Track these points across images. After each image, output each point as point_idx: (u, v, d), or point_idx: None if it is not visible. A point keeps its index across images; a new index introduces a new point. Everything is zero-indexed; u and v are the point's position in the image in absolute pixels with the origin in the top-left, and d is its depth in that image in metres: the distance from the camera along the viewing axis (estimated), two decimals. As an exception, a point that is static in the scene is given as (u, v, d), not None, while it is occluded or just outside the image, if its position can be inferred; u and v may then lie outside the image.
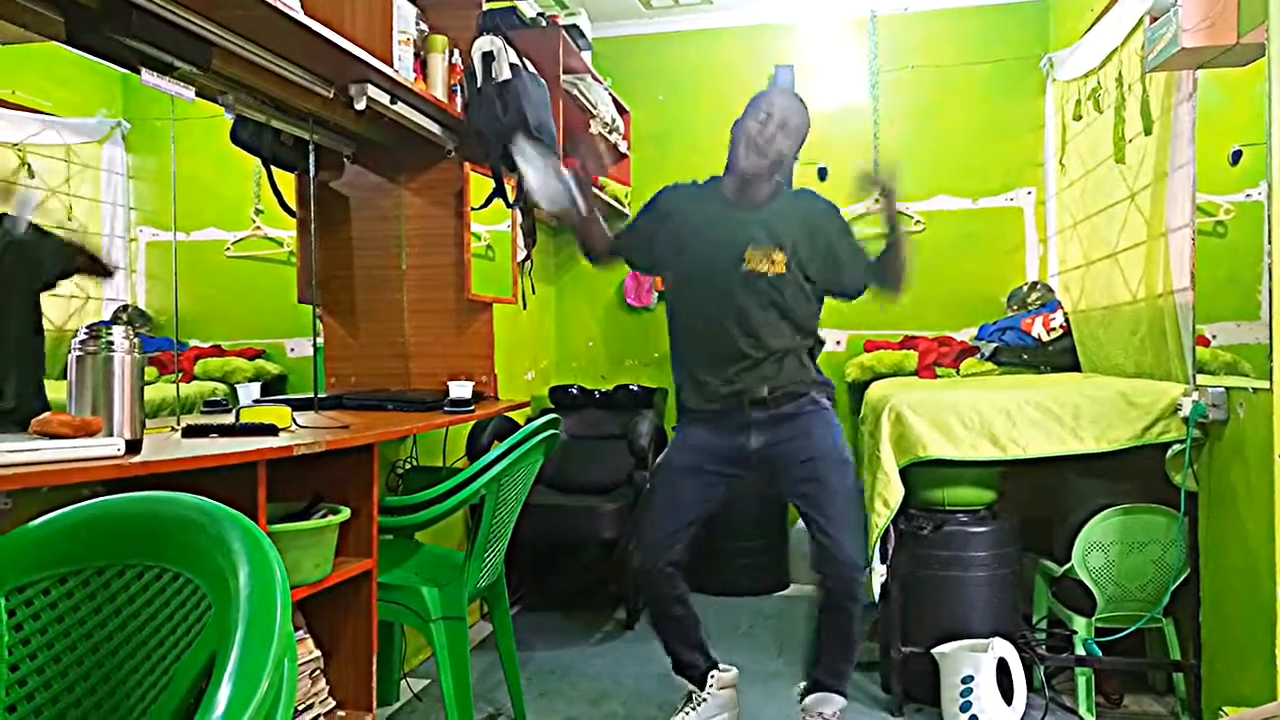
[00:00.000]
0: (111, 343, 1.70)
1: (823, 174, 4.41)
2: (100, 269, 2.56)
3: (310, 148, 2.89)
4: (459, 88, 3.05)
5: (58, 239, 2.38)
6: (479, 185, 3.18)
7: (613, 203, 4.41)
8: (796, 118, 2.45)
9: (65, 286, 2.42)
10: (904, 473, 2.73)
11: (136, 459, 1.55)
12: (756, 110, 2.45)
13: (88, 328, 1.73)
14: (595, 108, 3.99)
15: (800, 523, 4.26)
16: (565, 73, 3.64)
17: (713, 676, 2.60)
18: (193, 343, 2.86)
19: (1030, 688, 2.71)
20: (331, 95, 2.61)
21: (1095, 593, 2.77)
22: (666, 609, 2.57)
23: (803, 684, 2.53)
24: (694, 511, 2.54)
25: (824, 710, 2.46)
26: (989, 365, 3.88)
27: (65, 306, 2.42)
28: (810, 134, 2.52)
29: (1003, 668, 2.64)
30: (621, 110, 4.54)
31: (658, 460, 2.69)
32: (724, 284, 2.44)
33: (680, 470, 2.56)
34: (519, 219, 3.66)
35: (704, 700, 2.59)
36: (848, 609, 2.40)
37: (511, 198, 3.25)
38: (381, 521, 2.33)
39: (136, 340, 1.74)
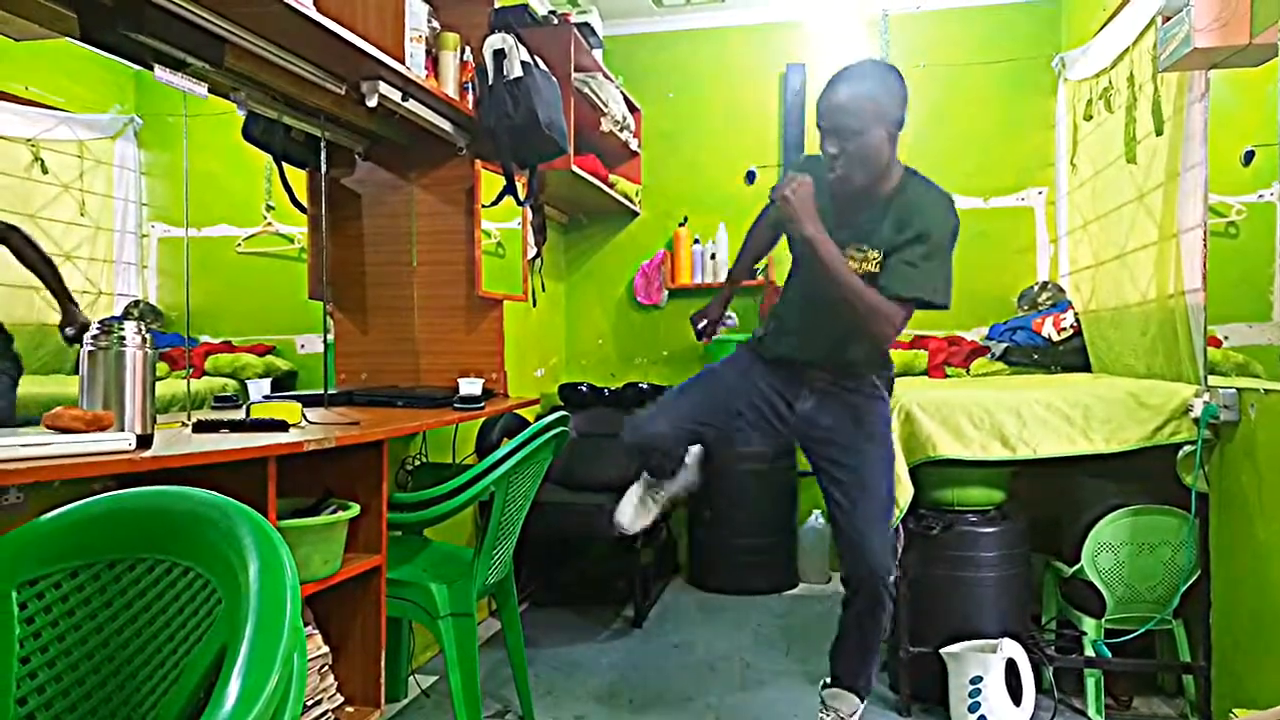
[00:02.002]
0: (123, 338, 1.71)
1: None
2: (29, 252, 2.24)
3: (322, 144, 2.91)
4: (470, 85, 3.06)
5: None
6: (490, 183, 3.19)
7: (622, 200, 4.41)
8: (849, 108, 2.17)
9: (76, 280, 2.43)
10: (913, 472, 2.72)
11: (147, 454, 1.56)
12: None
13: (99, 323, 1.73)
14: (606, 105, 3.99)
15: (809, 522, 4.32)
16: (576, 70, 3.64)
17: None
18: (203, 338, 2.87)
19: (1039, 689, 2.71)
20: (343, 92, 2.62)
21: (1105, 594, 2.76)
22: (662, 466, 2.52)
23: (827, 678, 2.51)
24: (716, 414, 2.43)
25: (840, 708, 2.45)
26: (999, 365, 3.87)
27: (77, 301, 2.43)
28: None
29: (1011, 668, 2.63)
30: (632, 108, 4.54)
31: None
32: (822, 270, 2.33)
33: (724, 374, 2.48)
34: (529, 216, 3.67)
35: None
36: (874, 612, 2.35)
37: (522, 195, 3.25)
38: (391, 518, 2.34)
39: (148, 335, 1.75)
